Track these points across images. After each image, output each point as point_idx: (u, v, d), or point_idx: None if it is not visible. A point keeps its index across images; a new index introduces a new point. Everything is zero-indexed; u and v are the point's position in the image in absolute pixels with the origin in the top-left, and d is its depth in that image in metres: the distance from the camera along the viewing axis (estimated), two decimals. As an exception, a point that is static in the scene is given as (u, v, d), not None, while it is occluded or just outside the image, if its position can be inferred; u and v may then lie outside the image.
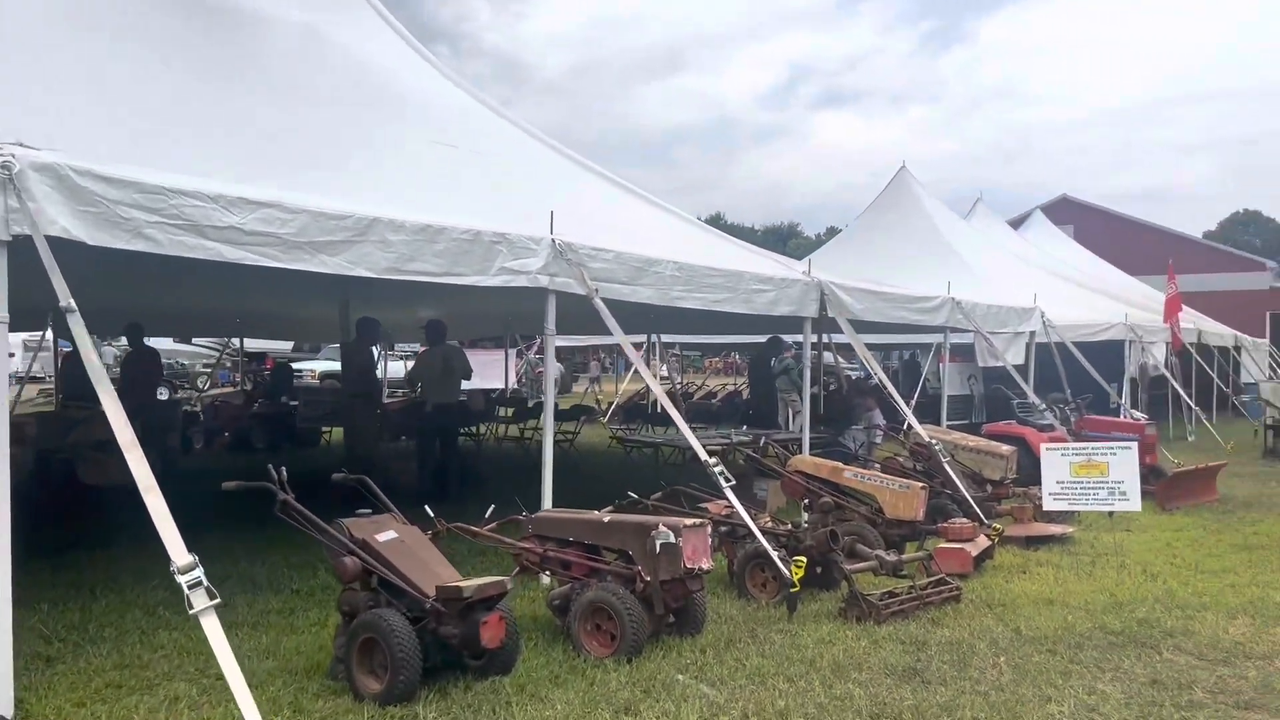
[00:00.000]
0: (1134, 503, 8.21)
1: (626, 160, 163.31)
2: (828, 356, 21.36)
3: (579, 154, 10.61)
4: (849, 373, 26.48)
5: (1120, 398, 17.45)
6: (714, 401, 24.64)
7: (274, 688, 5.02)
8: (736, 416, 18.83)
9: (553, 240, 7.12)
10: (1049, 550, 8.65)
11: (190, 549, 4.36)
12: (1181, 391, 18.62)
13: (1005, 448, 10.55)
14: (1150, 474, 11.89)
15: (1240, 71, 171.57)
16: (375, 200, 6.42)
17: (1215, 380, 21.60)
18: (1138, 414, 15.26)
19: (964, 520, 8.14)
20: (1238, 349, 26.40)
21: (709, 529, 5.89)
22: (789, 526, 7.40)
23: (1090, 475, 8.21)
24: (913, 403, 18.38)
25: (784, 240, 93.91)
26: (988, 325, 12.84)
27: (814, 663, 5.53)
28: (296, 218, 5.69)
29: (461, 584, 4.91)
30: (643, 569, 5.66)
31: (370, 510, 5.49)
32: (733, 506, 7.02)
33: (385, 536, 5.21)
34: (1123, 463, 8.20)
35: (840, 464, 8.71)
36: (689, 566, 5.64)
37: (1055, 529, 9.07)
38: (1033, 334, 14.30)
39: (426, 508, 6.12)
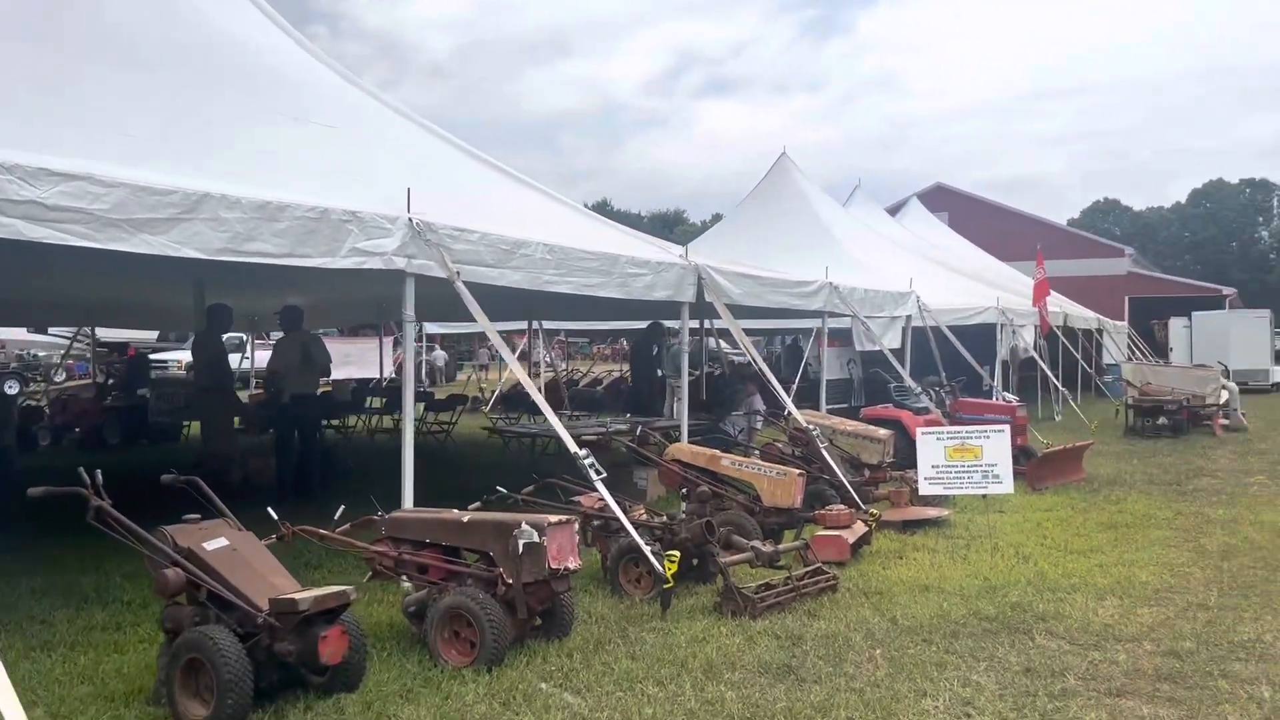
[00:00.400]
0: (1006, 485, 8.23)
1: (513, 146, 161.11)
2: (711, 342, 21.32)
3: (456, 136, 10.13)
4: (734, 358, 26.59)
5: (992, 380, 17.85)
6: (599, 389, 24.35)
7: (84, 718, 4.48)
8: (620, 404, 18.59)
9: (410, 219, 6.67)
10: (925, 534, 8.62)
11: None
12: (1049, 373, 19.17)
13: (882, 431, 10.53)
14: (1021, 455, 12.10)
15: (1105, 67, 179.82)
16: (214, 175, 5.87)
17: (1080, 362, 22.35)
18: (1009, 396, 15.58)
19: (841, 507, 8.03)
20: (1100, 332, 27.45)
21: (575, 526, 5.56)
22: (664, 518, 7.14)
23: (964, 459, 8.20)
24: (794, 388, 18.49)
25: (670, 227, 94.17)
26: (864, 310, 12.86)
27: (686, 664, 5.27)
28: (112, 192, 5.11)
29: (298, 595, 4.46)
30: (504, 571, 5.30)
31: (200, 515, 4.98)
32: (605, 500, 6.71)
33: (215, 545, 4.72)
34: (996, 446, 8.20)
35: (718, 452, 8.49)
36: (554, 567, 5.30)
37: (931, 512, 9.06)
38: (909, 318, 14.42)
39: (270, 510, 5.62)
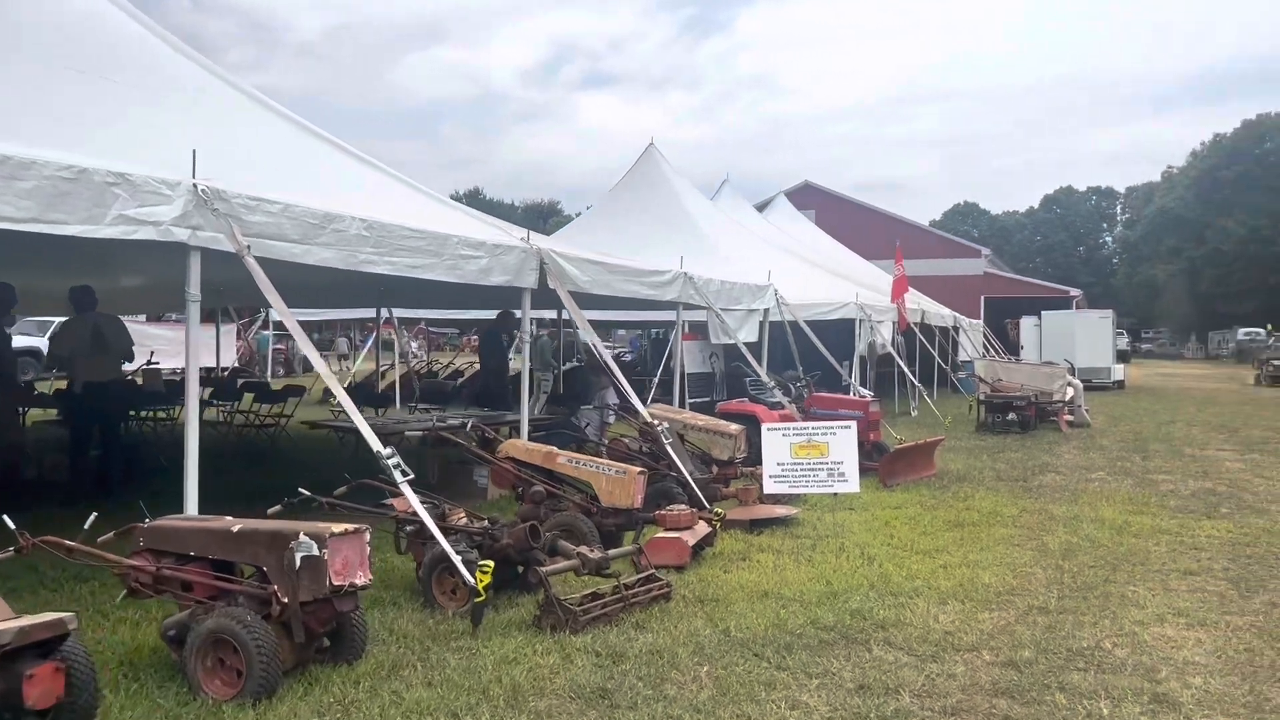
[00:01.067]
0: (852, 483, 7.94)
1: (389, 133, 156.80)
2: (578, 335, 20.75)
3: (328, 120, 9.29)
4: (611, 351, 26.08)
5: (849, 375, 17.86)
6: (458, 381, 23.48)
7: None
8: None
9: (194, 185, 5.86)
10: (772, 534, 8.25)
11: None
12: (905, 369, 19.33)
13: (734, 427, 10.15)
14: (875, 450, 11.97)
15: (970, 75, 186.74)
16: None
17: (936, 359, 22.69)
18: (865, 391, 15.53)
19: (683, 507, 7.57)
20: (956, 329, 28.07)
21: (366, 536, 4.89)
22: (485, 522, 6.52)
23: (810, 456, 7.87)
24: (654, 380, 18.11)
25: (545, 218, 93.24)
26: (721, 302, 12.50)
27: (488, 690, 4.68)
28: None
29: (-1, 626, 3.68)
30: (279, 589, 4.61)
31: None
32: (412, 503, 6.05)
33: (-97, 564, 3.88)
34: (842, 443, 7.90)
35: (554, 449, 7.93)
36: (337, 583, 4.63)
37: (780, 511, 8.70)
38: (766, 311, 14.16)
39: (5, 518, 4.76)
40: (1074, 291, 48.14)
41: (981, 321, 37.48)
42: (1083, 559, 7.68)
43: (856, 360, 18.28)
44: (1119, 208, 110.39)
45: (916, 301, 24.74)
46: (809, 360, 23.27)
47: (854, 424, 8.19)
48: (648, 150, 26.05)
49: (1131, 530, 8.77)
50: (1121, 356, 48.31)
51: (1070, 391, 18.70)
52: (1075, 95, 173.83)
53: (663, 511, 7.32)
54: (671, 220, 23.37)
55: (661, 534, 7.05)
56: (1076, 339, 30.19)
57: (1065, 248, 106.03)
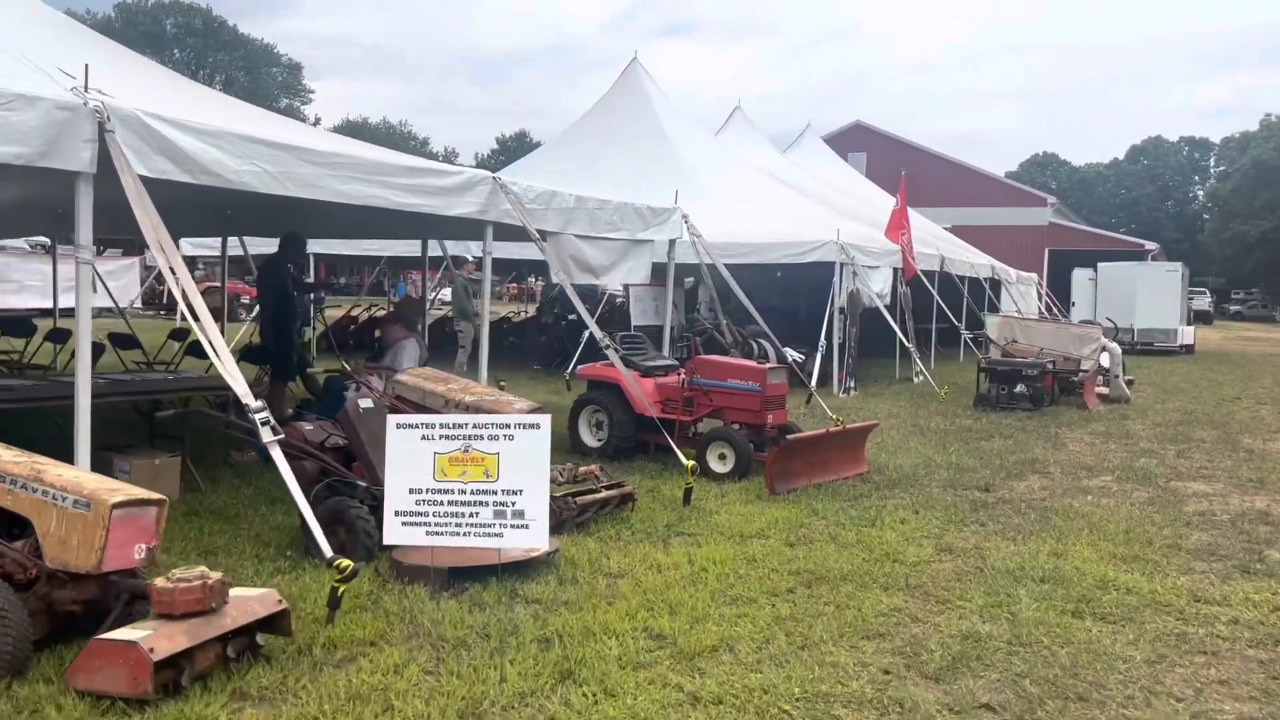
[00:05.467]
0: (537, 534, 4.45)
1: (465, 80, 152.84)
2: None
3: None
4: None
5: (838, 334, 14.24)
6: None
7: None
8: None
9: None
10: (472, 599, 4.87)
11: None
12: (896, 327, 15.55)
13: (519, 406, 6.76)
14: (781, 437, 8.47)
15: (1056, 26, 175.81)
16: None
17: (950, 315, 18.75)
18: (792, 353, 11.93)
19: (199, 572, 3.96)
20: (994, 281, 24.01)
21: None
22: None
23: (470, 478, 4.43)
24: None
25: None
26: (584, 226, 8.96)
27: None
28: None
29: None
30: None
31: None
32: None
33: None
34: (523, 456, 4.43)
35: None
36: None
37: (518, 549, 5.26)
38: (672, 244, 10.62)
39: None
40: (1150, 245, 43.03)
41: (1036, 275, 33.10)
42: (979, 684, 4.15)
43: (837, 314, 14.63)
44: (1212, 159, 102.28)
45: (936, 246, 20.87)
46: (784, 312, 19.69)
47: (545, 421, 4.63)
48: (631, 66, 22.55)
49: (1103, 604, 5.18)
50: (1200, 318, 43.33)
51: (1105, 358, 14.78)
52: (1171, 47, 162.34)
53: (165, 581, 3.87)
54: (651, 146, 20.03)
55: (115, 635, 3.64)
56: (1138, 295, 25.86)
57: (1151, 202, 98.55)
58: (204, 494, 6.76)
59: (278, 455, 4.47)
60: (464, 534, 4.34)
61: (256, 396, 4.80)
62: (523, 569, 5.22)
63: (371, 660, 4.11)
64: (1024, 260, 33.98)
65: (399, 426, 4.39)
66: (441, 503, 4.33)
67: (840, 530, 6.56)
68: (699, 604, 4.93)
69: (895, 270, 16.50)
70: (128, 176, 5.03)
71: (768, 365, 8.53)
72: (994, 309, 23.25)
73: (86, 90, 5.09)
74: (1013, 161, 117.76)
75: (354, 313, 20.86)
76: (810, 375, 13.64)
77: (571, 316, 18.61)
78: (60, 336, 11.11)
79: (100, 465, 6.50)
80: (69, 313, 17.75)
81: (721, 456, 8.18)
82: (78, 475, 3.92)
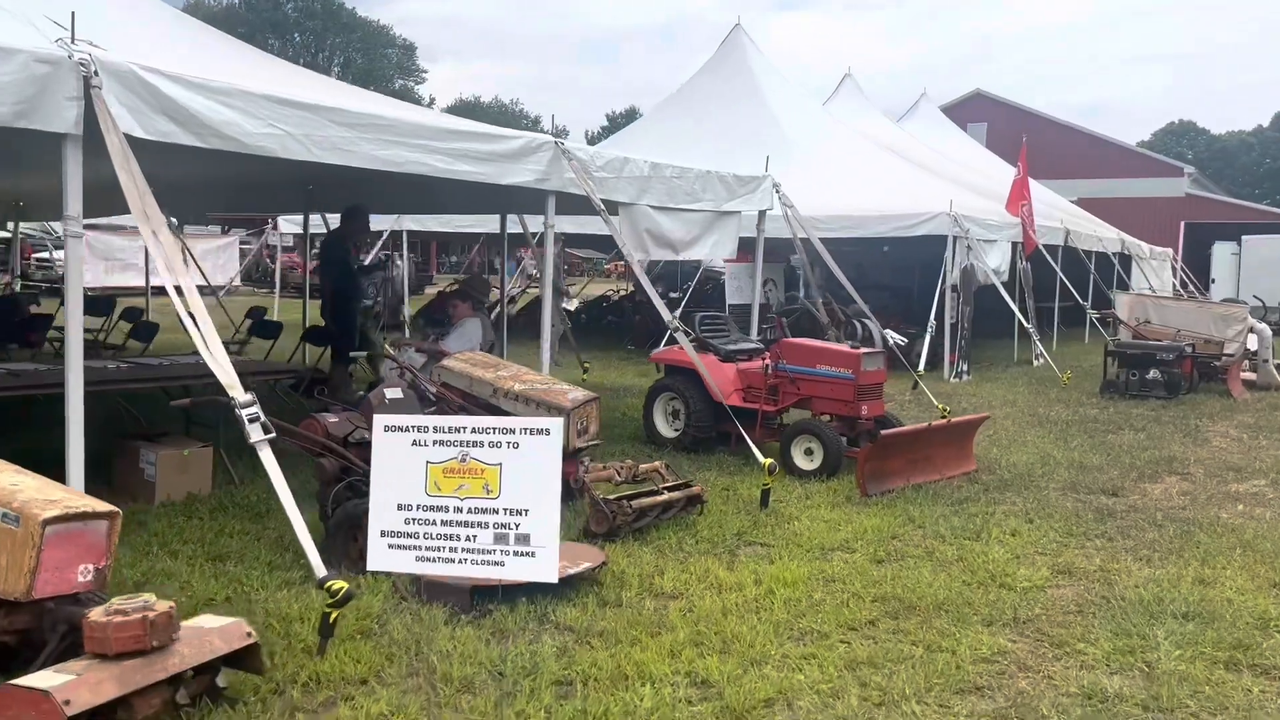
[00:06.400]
0: (545, 565, 3.63)
1: (571, 59, 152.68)
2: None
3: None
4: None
5: (948, 313, 13.14)
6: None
7: None
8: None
9: None
10: (505, 617, 4.20)
11: None
12: (1014, 306, 14.27)
13: (572, 396, 6.06)
14: (877, 431, 7.56)
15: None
16: None
17: (1072, 291, 17.23)
18: (893, 336, 10.89)
19: (145, 600, 3.29)
20: (1123, 256, 22.25)
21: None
22: None
23: (467, 493, 3.70)
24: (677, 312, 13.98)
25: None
26: (659, 197, 8.17)
27: None
28: None
29: None
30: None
31: None
32: None
33: None
34: (528, 469, 3.65)
35: None
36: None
37: (584, 561, 4.59)
38: (762, 215, 9.74)
39: None
40: (1301, 217, 39.76)
41: (1175, 251, 30.86)
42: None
43: (949, 292, 13.50)
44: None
45: (1061, 219, 19.34)
46: (895, 289, 18.50)
47: (557, 428, 3.82)
48: (733, 33, 21.59)
49: (1264, 653, 4.18)
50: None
51: (1253, 340, 13.26)
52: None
53: (100, 614, 3.24)
54: (751, 118, 19.09)
55: (27, 682, 3.03)
56: (1290, 271, 23.66)
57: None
58: (238, 488, 6.27)
59: (267, 457, 3.85)
60: (459, 560, 3.63)
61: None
62: (560, 586, 4.53)
63: (355, 705, 3.47)
64: (1158, 234, 31.67)
65: (386, 430, 3.71)
66: (434, 522, 3.64)
67: (939, 544, 5.67)
68: (759, 639, 4.14)
69: (1014, 245, 15.23)
70: (113, 137, 4.46)
71: (862, 350, 7.61)
72: (1123, 286, 21.50)
73: (74, 41, 4.55)
74: (1145, 131, 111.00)
75: (446, 290, 20.56)
76: (917, 359, 12.60)
77: (673, 294, 17.89)
78: (133, 315, 10.93)
79: (125, 455, 6.12)
80: (160, 291, 17.92)
81: (808, 452, 7.34)
82: (16, 482, 3.36)
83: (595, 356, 15.02)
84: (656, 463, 6.27)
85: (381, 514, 3.66)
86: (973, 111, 44.41)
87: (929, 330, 13.21)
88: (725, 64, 21.12)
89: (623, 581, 4.80)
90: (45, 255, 26.81)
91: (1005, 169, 25.94)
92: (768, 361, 7.86)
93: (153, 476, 5.99)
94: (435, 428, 3.66)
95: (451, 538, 3.60)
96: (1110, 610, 4.65)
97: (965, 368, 13.57)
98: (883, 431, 6.95)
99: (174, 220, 11.50)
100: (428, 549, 3.61)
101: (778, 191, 9.68)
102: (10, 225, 16.47)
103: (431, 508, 3.63)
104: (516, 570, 3.53)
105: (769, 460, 6.38)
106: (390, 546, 3.66)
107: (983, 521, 6.13)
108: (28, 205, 14.54)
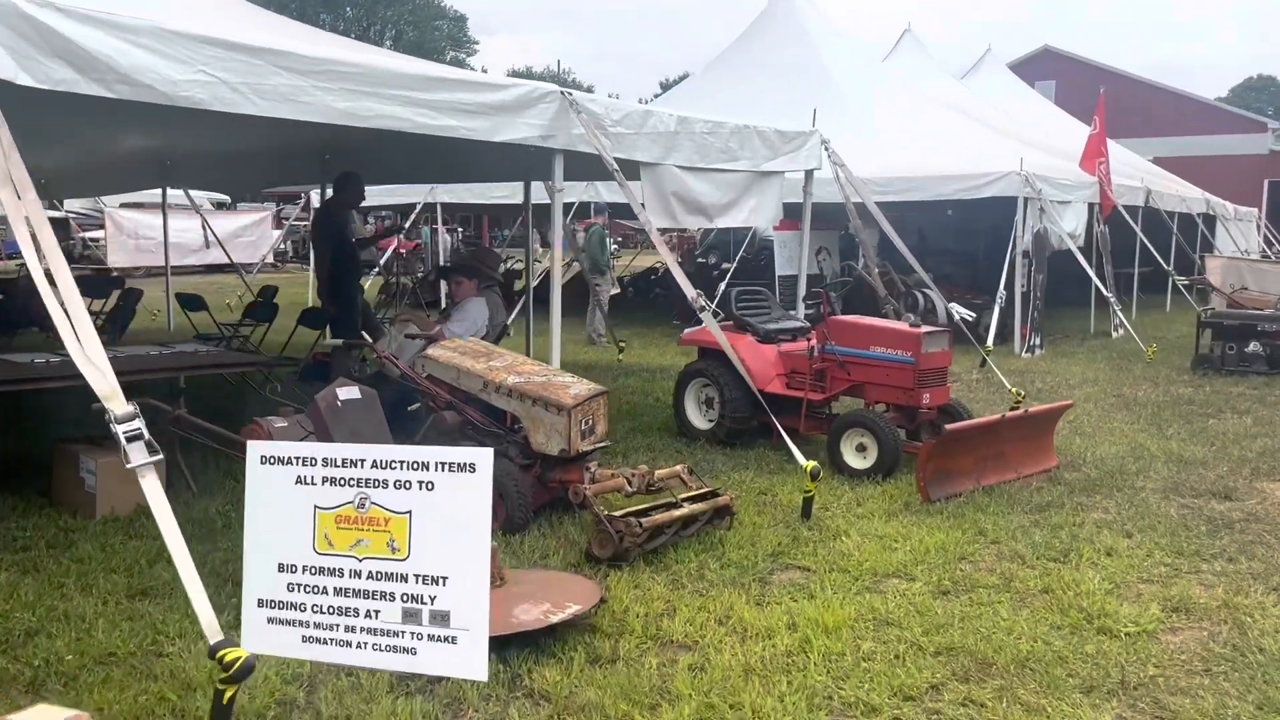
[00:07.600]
0: (470, 653, 2.51)
1: (630, 26, 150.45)
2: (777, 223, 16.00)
3: None
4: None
5: (1014, 281, 11.95)
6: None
7: None
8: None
9: None
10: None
11: None
12: (1092, 272, 12.97)
13: (573, 392, 5.13)
14: (939, 422, 6.52)
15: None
16: None
17: (1155, 255, 15.81)
18: (961, 310, 9.73)
19: None
20: (1208, 217, 20.65)
21: None
22: None
23: (367, 550, 2.68)
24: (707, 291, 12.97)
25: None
26: (680, 155, 7.16)
27: None
28: None
29: None
30: None
31: None
32: None
33: None
34: (448, 521, 2.61)
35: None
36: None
37: (530, 617, 3.70)
38: (808, 175, 8.66)
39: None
40: (1398, 173, 37.27)
41: (1260, 211, 28.95)
42: None
43: (1019, 258, 12.29)
44: None
45: (1141, 178, 17.85)
46: (960, 259, 17.18)
47: (486, 463, 2.78)
48: (782, -13, 20.37)
49: None
50: None
51: (1366, 309, 11.83)
52: None
53: None
54: (803, 74, 17.85)
55: None
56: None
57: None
58: (196, 499, 5.45)
59: (150, 485, 2.98)
60: (358, 644, 2.67)
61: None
62: (543, 635, 3.62)
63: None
64: (1240, 194, 29.78)
65: (263, 461, 2.77)
66: (325, 590, 2.68)
67: (1018, 567, 4.64)
68: (787, 717, 3.19)
69: (1091, 206, 13.91)
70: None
71: (923, 329, 6.54)
72: (1208, 248, 19.92)
73: None
74: (1223, 87, 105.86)
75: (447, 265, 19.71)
76: (985, 332, 11.44)
77: (726, 265, 16.79)
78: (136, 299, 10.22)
79: (65, 462, 5.34)
80: (182, 270, 17.33)
81: (860, 448, 6.32)
82: None
83: (638, 333, 14.06)
84: (678, 466, 5.31)
85: (258, 577, 2.74)
86: (1041, 69, 42.28)
87: (998, 301, 12.01)
88: (775, 19, 20.00)
89: (623, 625, 3.88)
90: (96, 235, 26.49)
91: (1078, 128, 24.18)
92: (814, 343, 6.85)
93: (93, 487, 5.19)
94: (325, 460, 2.72)
95: (348, 612, 2.67)
96: (1247, 668, 3.62)
97: (1038, 341, 12.36)
98: (947, 426, 5.90)
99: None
100: (317, 626, 2.68)
101: (826, 149, 8.59)
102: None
103: (321, 570, 2.69)
104: (431, 661, 2.59)
105: (811, 463, 5.39)
106: (270, 621, 2.74)
107: (1070, 536, 5.09)
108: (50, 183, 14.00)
